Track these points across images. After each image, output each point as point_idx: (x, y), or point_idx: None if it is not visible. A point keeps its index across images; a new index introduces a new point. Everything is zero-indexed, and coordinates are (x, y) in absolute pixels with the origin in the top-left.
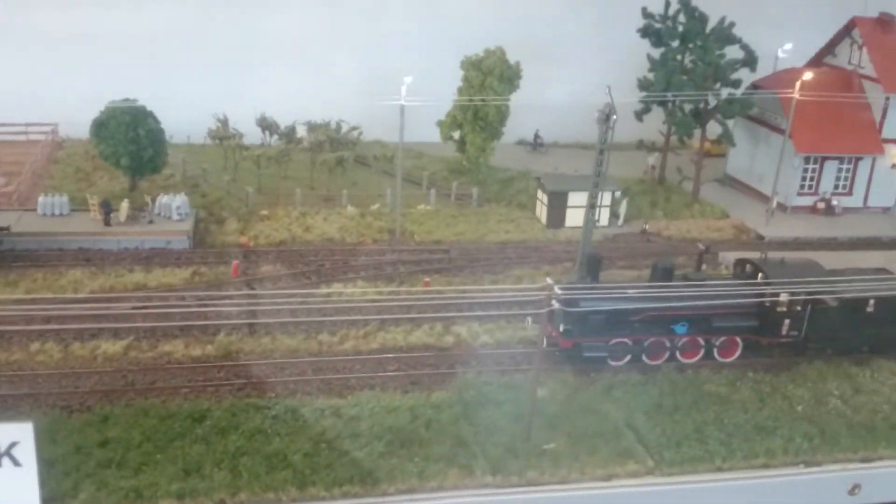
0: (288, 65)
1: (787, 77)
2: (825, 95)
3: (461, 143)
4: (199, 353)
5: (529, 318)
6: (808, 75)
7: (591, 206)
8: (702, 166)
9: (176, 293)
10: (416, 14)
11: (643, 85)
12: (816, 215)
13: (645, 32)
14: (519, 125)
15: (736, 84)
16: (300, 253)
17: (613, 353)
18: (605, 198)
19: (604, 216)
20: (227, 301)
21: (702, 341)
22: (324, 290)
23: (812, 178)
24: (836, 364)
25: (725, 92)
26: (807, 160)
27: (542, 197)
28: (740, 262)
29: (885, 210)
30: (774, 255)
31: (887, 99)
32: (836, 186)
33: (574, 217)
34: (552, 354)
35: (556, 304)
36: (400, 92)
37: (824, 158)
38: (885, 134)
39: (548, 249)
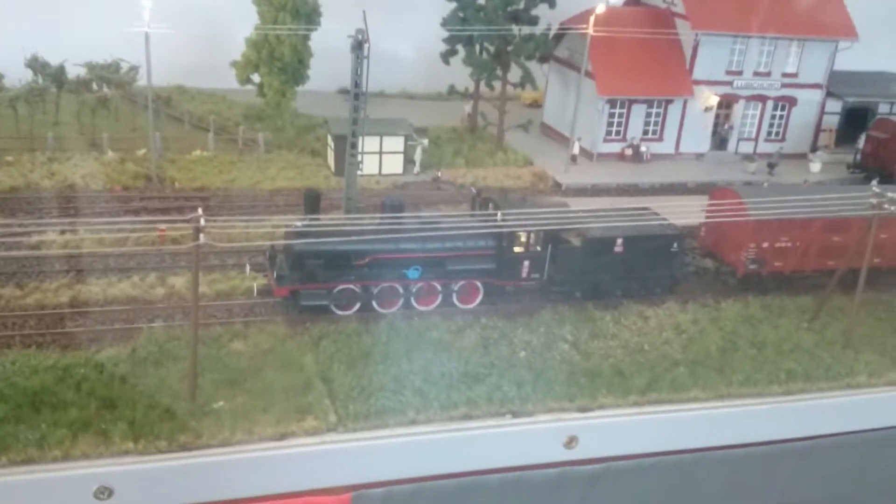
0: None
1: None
2: (622, 31)
3: (261, 88)
4: None
5: (248, 265)
6: (601, 7)
7: (352, 148)
8: (505, 111)
9: None
10: None
11: (445, 22)
12: (624, 162)
13: None
14: (341, 74)
15: (533, 21)
16: (27, 200)
17: (337, 301)
18: (398, 143)
19: (397, 163)
20: None
21: (438, 287)
22: (34, 239)
23: (619, 123)
24: (581, 309)
25: (527, 31)
26: (612, 104)
27: (330, 142)
28: (483, 200)
29: (699, 156)
30: (517, 194)
31: (697, 36)
32: (646, 132)
33: (366, 164)
34: (271, 304)
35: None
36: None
37: (631, 102)
38: (697, 75)
39: (325, 198)
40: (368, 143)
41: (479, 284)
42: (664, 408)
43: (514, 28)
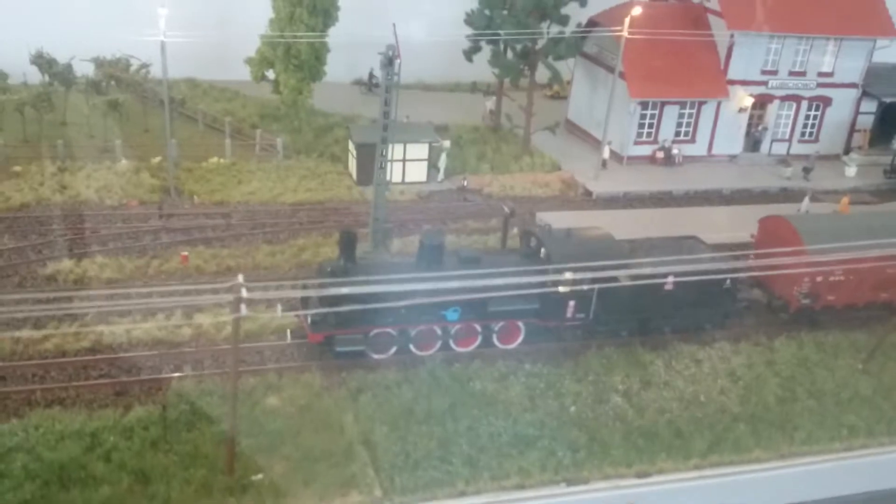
0: None
1: (623, 12)
2: (658, 33)
3: (276, 85)
4: None
5: (279, 305)
6: (637, 10)
7: (381, 168)
8: (532, 113)
9: None
10: None
11: (470, 20)
12: (655, 165)
13: None
14: (357, 64)
15: (564, 21)
16: (39, 220)
17: (374, 346)
18: (422, 150)
19: (422, 170)
20: None
21: (478, 327)
22: (49, 268)
23: (651, 125)
24: (629, 350)
25: (557, 30)
26: (644, 105)
27: (352, 149)
28: (525, 235)
29: (732, 158)
30: (560, 230)
31: (732, 36)
32: (678, 133)
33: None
34: (304, 347)
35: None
36: (159, 26)
37: (664, 103)
38: (731, 75)
39: (349, 212)
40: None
41: (520, 325)
42: (725, 470)
43: (544, 28)
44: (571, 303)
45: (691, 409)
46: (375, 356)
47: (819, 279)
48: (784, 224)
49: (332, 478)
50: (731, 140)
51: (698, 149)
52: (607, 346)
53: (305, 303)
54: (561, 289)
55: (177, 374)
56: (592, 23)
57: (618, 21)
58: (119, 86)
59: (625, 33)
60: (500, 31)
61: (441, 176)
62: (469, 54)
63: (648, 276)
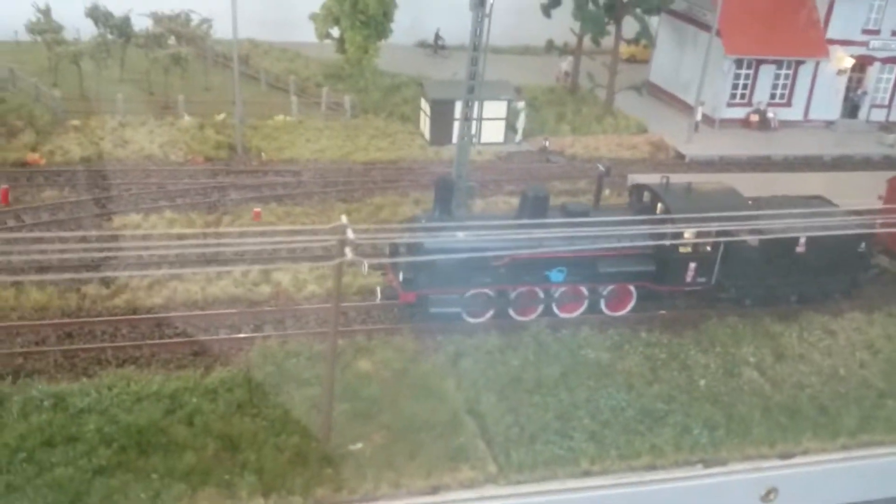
0: None
1: None
2: None
3: (341, 43)
4: None
5: (365, 263)
6: None
7: (466, 119)
8: (616, 71)
9: None
10: None
11: None
12: (749, 129)
13: None
14: (421, 24)
15: None
16: (102, 174)
17: (470, 308)
18: (500, 108)
19: (499, 131)
20: None
21: (585, 291)
22: (115, 222)
23: (745, 87)
24: (756, 320)
25: None
26: (738, 64)
27: (425, 107)
28: (637, 189)
29: (829, 124)
30: (679, 179)
31: None
32: (773, 96)
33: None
34: (394, 310)
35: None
36: None
37: (759, 62)
38: (831, 34)
39: (424, 171)
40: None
41: (632, 289)
42: (877, 451)
43: None
44: (692, 265)
45: (832, 384)
46: (471, 319)
47: None
48: None
49: (439, 450)
50: (828, 105)
51: (794, 113)
52: (729, 316)
53: (393, 254)
54: (682, 249)
55: (259, 335)
56: None
57: None
58: (179, 41)
59: None
60: None
61: (519, 137)
62: (547, 8)
63: (780, 235)
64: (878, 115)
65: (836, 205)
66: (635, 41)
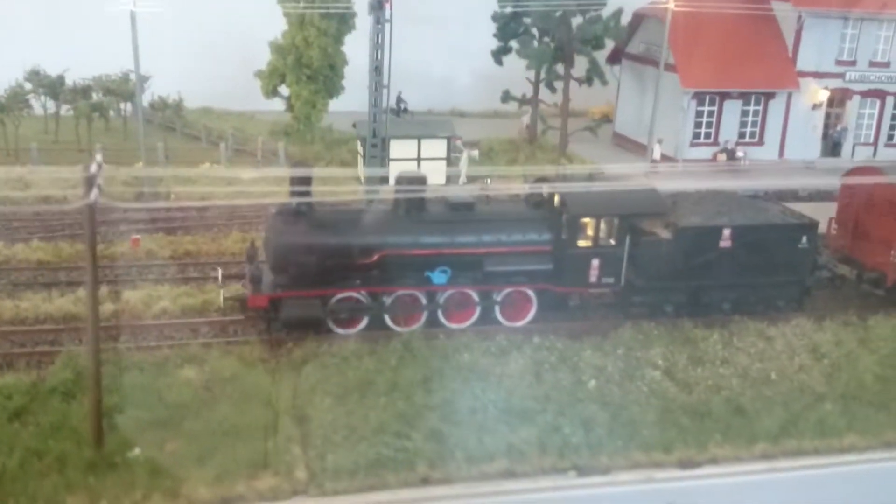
0: None
1: None
2: (709, 6)
3: (289, 100)
4: None
5: (219, 271)
6: None
7: (373, 139)
8: (568, 113)
9: None
10: None
11: (496, 17)
12: (717, 170)
13: None
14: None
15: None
16: None
17: (336, 315)
18: (439, 147)
19: (439, 172)
20: None
21: (475, 296)
22: None
23: (709, 124)
24: (675, 327)
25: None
26: (700, 100)
27: (359, 148)
28: (538, 182)
29: (808, 164)
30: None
31: (800, 17)
32: (743, 134)
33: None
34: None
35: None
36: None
37: (723, 96)
38: (801, 65)
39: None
40: (405, 148)
41: (530, 293)
42: (807, 461)
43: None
44: (595, 261)
45: (758, 388)
46: (340, 330)
47: None
48: (875, 173)
49: (239, 455)
50: (805, 142)
51: (767, 152)
52: (646, 323)
53: (252, 261)
54: (581, 242)
55: (71, 348)
56: (638, 16)
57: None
58: (106, 95)
59: (671, 5)
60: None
61: (463, 179)
62: (498, 55)
63: (695, 224)
64: (865, 153)
65: (778, 203)
66: (587, 80)
